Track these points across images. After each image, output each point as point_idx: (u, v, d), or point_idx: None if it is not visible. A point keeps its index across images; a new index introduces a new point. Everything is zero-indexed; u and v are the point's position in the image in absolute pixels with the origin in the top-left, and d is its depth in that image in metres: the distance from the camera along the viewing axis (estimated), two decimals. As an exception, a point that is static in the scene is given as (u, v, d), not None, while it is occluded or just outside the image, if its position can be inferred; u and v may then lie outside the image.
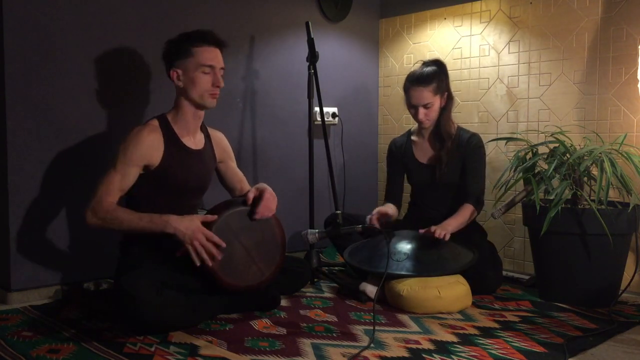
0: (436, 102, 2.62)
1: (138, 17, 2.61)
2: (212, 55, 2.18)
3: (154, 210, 2.06)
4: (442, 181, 2.67)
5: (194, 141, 2.28)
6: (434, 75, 2.60)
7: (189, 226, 2.00)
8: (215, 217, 2.07)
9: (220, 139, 2.43)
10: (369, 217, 2.62)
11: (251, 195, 2.17)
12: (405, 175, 2.86)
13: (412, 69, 2.73)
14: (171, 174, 2.17)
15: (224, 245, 2.03)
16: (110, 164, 2.09)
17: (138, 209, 2.08)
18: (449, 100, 2.67)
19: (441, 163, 2.65)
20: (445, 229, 2.46)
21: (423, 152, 2.75)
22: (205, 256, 1.99)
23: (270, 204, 2.18)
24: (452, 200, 2.69)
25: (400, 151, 2.82)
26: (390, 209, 2.72)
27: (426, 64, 2.68)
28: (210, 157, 2.35)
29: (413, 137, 2.80)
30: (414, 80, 2.62)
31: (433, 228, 2.45)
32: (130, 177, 2.10)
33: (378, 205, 3.63)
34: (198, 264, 1.99)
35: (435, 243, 2.44)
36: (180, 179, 2.20)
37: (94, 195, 2.05)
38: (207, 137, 2.37)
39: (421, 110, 2.61)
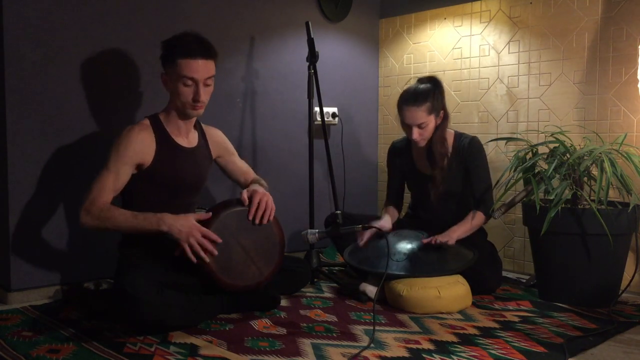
0: (431, 122, 2.51)
1: (138, 17, 2.61)
2: (193, 68, 2.09)
3: (149, 209, 2.06)
4: (441, 194, 2.60)
5: (187, 139, 2.27)
6: (428, 93, 2.49)
7: (184, 224, 2.00)
8: (210, 215, 2.07)
9: (215, 134, 2.42)
10: (360, 241, 2.56)
11: (245, 196, 2.16)
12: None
13: (405, 86, 2.64)
14: (164, 172, 2.17)
15: (219, 241, 2.03)
16: (103, 164, 2.09)
17: (133, 208, 2.08)
18: (444, 118, 2.57)
19: (436, 183, 2.58)
20: (449, 237, 2.44)
21: (423, 162, 2.68)
22: (202, 254, 1.99)
23: (263, 205, 2.15)
24: (454, 209, 2.64)
25: (399, 156, 2.77)
26: (388, 222, 2.65)
27: (420, 80, 2.58)
28: (205, 154, 2.35)
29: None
30: (408, 99, 2.50)
31: (438, 240, 2.43)
32: (123, 176, 2.09)
33: (378, 205, 3.66)
34: (195, 260, 1.99)
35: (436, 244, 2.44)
36: (173, 177, 2.19)
37: (87, 196, 2.04)
38: (202, 134, 2.36)
39: (415, 130, 2.51)
